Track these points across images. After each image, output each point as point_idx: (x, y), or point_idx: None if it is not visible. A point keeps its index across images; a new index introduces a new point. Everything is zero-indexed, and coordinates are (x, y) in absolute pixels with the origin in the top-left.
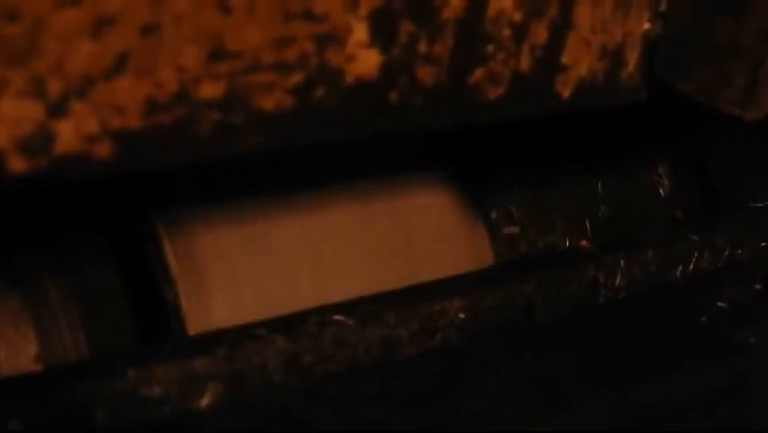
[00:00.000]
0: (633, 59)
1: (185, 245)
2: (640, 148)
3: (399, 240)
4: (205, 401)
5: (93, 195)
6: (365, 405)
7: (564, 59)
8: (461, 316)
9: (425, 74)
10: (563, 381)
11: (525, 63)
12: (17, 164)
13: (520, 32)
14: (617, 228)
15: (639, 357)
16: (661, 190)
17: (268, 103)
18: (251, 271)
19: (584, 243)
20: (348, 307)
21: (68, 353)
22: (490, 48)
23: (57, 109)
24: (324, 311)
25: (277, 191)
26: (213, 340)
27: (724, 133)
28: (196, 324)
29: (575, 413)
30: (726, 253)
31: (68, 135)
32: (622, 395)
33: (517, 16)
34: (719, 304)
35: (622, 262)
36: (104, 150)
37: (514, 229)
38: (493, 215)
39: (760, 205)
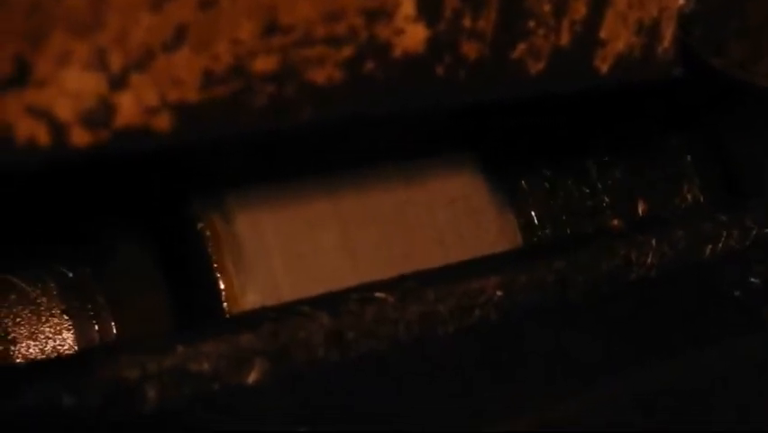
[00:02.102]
0: (668, 34)
1: (223, 226)
2: (665, 134)
3: (430, 222)
4: (252, 377)
5: (130, 178)
6: (406, 380)
7: (602, 35)
8: (499, 293)
9: (470, 49)
10: (598, 357)
11: (565, 38)
12: (80, 137)
13: (560, 8)
14: (643, 213)
15: (674, 333)
16: (684, 175)
17: (319, 76)
18: (287, 254)
19: (615, 222)
20: (389, 284)
21: (104, 339)
22: (532, 23)
23: (118, 81)
24: (366, 289)
25: (311, 174)
26: (259, 317)
27: (745, 117)
28: (233, 305)
29: (610, 389)
30: (755, 232)
31: (128, 108)
32: (657, 371)
33: None
34: (752, 279)
35: (653, 241)
36: (162, 122)
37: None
38: (521, 200)
39: None
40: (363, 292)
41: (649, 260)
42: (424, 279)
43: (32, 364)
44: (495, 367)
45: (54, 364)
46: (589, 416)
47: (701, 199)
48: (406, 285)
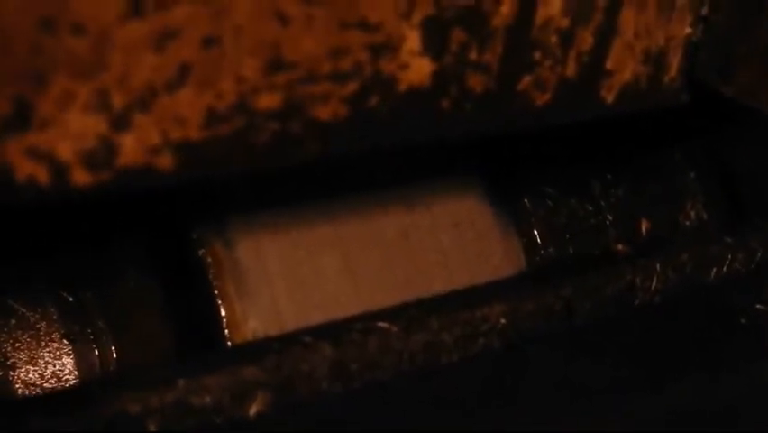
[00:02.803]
0: (675, 63)
1: (224, 252)
2: (668, 152)
3: (433, 246)
4: (254, 409)
5: (131, 208)
6: (410, 411)
7: (609, 65)
8: (503, 321)
9: (476, 81)
10: (606, 384)
11: (571, 69)
12: (81, 177)
13: (567, 39)
14: (646, 231)
15: (682, 359)
16: (687, 193)
17: (324, 112)
18: (289, 280)
19: (620, 246)
20: (392, 313)
21: (105, 365)
22: (538, 54)
23: (120, 122)
24: (369, 318)
25: (313, 199)
26: (261, 348)
27: (750, 138)
28: (235, 331)
29: (618, 416)
30: (759, 255)
31: (130, 148)
32: (666, 397)
33: (565, 23)
34: (758, 306)
35: (658, 266)
36: (165, 161)
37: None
38: (524, 220)
39: None
40: (366, 322)
41: (654, 285)
42: (427, 307)
43: (32, 400)
44: (500, 396)
45: (54, 399)
46: None
47: (705, 217)
48: (410, 314)
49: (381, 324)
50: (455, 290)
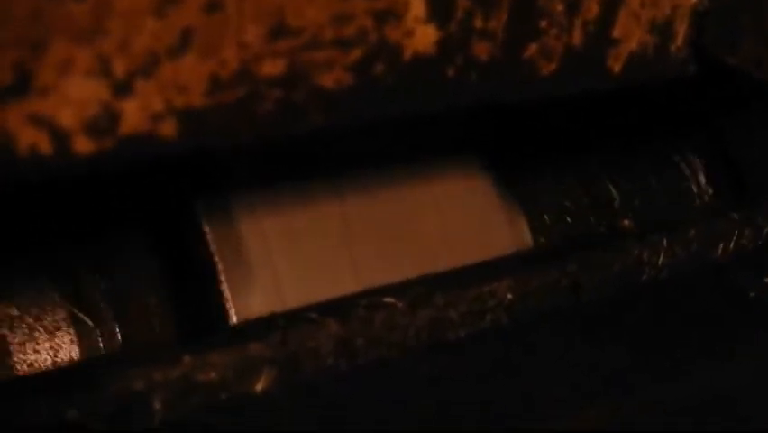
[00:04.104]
0: (681, 32)
1: (226, 229)
2: (669, 132)
3: (437, 225)
4: (260, 386)
5: (133, 183)
6: (416, 387)
7: (615, 34)
8: (509, 296)
9: (481, 50)
10: (616, 362)
11: (577, 38)
12: (84, 145)
13: (573, 7)
14: (648, 210)
15: (690, 335)
16: (689, 174)
17: (328, 80)
18: (291, 256)
19: (626, 222)
20: (397, 289)
21: (107, 345)
22: (544, 23)
23: (122, 88)
24: (374, 294)
25: (314, 178)
26: (266, 325)
27: (750, 117)
28: (238, 312)
29: (626, 395)
30: (766, 231)
31: (133, 115)
32: (677, 374)
33: None
34: (766, 280)
35: (665, 241)
36: (168, 129)
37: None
38: (528, 199)
39: None
40: (372, 298)
41: (660, 260)
42: (433, 283)
43: (36, 377)
44: (508, 373)
45: (59, 377)
46: (606, 423)
47: (708, 198)
48: (416, 290)
49: (387, 299)
50: (461, 266)
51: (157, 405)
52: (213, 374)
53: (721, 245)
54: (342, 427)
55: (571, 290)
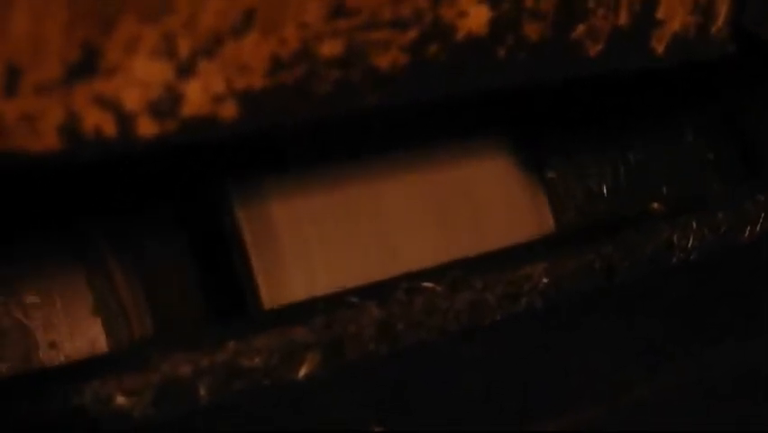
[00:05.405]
0: (723, 12)
1: (259, 214)
2: (684, 111)
3: (465, 206)
4: (303, 371)
5: (164, 165)
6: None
7: (659, 15)
8: (545, 280)
9: (531, 30)
10: (656, 342)
11: (623, 18)
12: (147, 128)
13: None
14: (673, 192)
15: (722, 317)
16: (703, 153)
17: (384, 60)
18: (324, 240)
19: (656, 205)
20: (436, 273)
21: (134, 331)
22: (591, 3)
23: (185, 69)
24: (413, 278)
25: (345, 160)
26: (308, 309)
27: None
28: (269, 294)
29: (659, 376)
30: None
31: (195, 96)
32: (717, 353)
33: None
34: None
35: (694, 223)
36: (229, 111)
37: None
38: (552, 179)
39: None
40: (411, 282)
41: (690, 243)
42: (471, 266)
43: (83, 363)
44: (549, 355)
45: (105, 362)
46: (652, 402)
47: (732, 179)
48: (454, 274)
49: (426, 284)
50: (495, 249)
51: (202, 391)
52: (257, 360)
53: (749, 228)
54: (387, 412)
55: (605, 273)
